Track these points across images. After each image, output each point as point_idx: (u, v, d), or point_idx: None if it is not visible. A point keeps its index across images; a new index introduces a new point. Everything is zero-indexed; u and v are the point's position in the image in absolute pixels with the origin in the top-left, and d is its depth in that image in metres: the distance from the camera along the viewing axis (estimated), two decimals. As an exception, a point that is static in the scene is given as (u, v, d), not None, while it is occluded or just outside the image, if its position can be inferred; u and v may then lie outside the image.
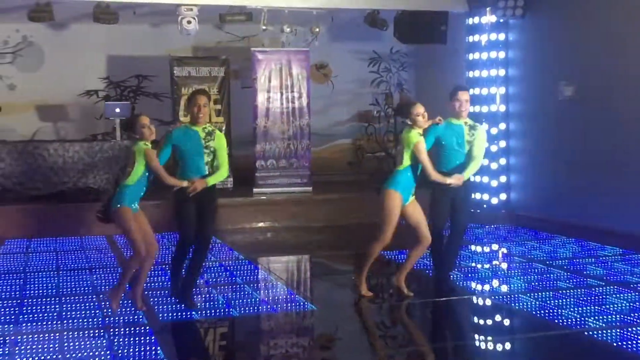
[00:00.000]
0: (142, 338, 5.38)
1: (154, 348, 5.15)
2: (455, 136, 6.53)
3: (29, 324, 5.78)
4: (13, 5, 10.47)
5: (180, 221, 6.23)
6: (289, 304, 6.42)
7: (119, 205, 5.79)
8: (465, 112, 6.58)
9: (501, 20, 10.28)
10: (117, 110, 11.02)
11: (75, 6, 10.41)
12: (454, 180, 6.38)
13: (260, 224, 10.48)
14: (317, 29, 11.05)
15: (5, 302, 6.43)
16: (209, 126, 6.27)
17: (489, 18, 10.42)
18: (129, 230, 5.83)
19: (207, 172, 6.14)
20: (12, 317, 5.98)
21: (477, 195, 10.60)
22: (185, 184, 5.99)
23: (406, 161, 6.25)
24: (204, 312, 6.12)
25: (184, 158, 6.11)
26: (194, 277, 6.32)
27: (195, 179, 6.03)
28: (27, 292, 6.82)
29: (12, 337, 5.44)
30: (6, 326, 5.73)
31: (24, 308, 6.24)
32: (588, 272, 7.36)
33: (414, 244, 6.51)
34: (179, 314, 6.03)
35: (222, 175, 6.25)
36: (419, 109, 6.26)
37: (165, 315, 6.00)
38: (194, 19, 9.84)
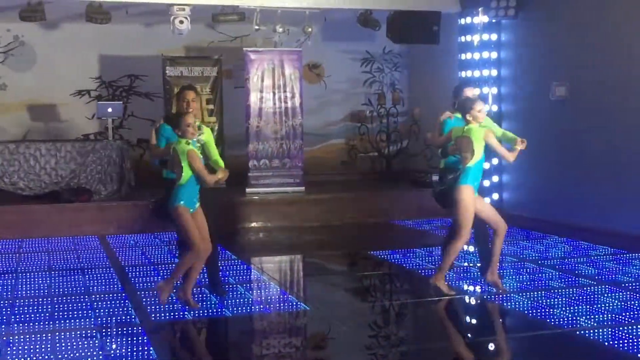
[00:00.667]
0: (135, 338, 5.38)
1: (146, 348, 5.15)
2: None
3: (21, 325, 5.76)
4: (4, 5, 10.44)
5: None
6: (281, 304, 6.43)
7: (176, 204, 5.89)
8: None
9: (493, 21, 10.31)
10: (109, 110, 11.02)
11: (68, 6, 10.41)
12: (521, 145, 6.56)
13: (253, 224, 10.48)
14: (310, 29, 11.03)
15: None
16: (197, 121, 6.23)
17: (481, 18, 10.44)
18: (185, 229, 5.91)
19: None
20: (4, 317, 5.97)
21: (470, 195, 10.70)
22: (220, 175, 6.05)
23: (477, 155, 6.29)
24: (197, 312, 6.10)
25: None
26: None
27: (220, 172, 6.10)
28: (19, 292, 6.80)
29: (4, 338, 5.41)
30: None
31: (16, 309, 6.22)
32: (580, 271, 7.39)
33: (494, 236, 6.55)
34: (172, 314, 6.03)
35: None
36: (480, 105, 6.38)
37: (158, 315, 5.99)
38: (187, 18, 9.83)
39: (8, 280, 7.25)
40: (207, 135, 6.32)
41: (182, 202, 5.90)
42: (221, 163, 6.31)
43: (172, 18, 9.84)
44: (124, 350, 5.13)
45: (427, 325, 6.27)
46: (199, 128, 6.17)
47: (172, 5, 9.83)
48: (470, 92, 6.80)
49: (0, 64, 12.00)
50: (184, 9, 9.83)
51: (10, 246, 9.00)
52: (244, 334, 5.91)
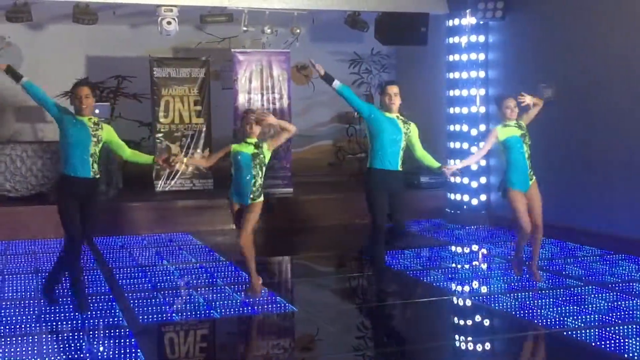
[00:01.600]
0: (122, 340, 5.39)
1: (134, 350, 5.16)
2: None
3: (7, 327, 5.76)
4: None
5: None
6: (269, 306, 6.42)
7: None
8: (395, 107, 6.72)
9: (481, 22, 10.36)
10: (97, 111, 10.75)
11: (54, 7, 10.35)
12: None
13: None
14: (298, 30, 11.06)
15: None
16: (95, 117, 6.27)
17: (469, 20, 10.49)
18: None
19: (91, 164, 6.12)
20: None
21: (458, 197, 10.74)
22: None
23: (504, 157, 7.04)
24: (184, 314, 6.12)
25: (70, 147, 6.08)
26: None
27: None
28: (5, 294, 6.79)
29: None
30: None
31: (2, 311, 6.21)
32: (567, 272, 7.45)
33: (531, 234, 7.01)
34: (160, 316, 6.04)
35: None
36: (511, 102, 6.95)
37: (146, 317, 6.01)
38: (174, 19, 9.84)
39: None
40: (107, 133, 6.24)
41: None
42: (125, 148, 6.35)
43: (159, 19, 9.84)
44: (111, 352, 5.13)
45: (415, 327, 6.30)
46: (97, 124, 6.14)
47: (159, 6, 9.83)
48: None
49: (-14, 66, 12.03)
50: (171, 10, 9.83)
51: (-5, 248, 8.99)
52: (232, 335, 5.93)
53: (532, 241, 7.05)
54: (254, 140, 6.50)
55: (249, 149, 6.51)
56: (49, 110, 6.28)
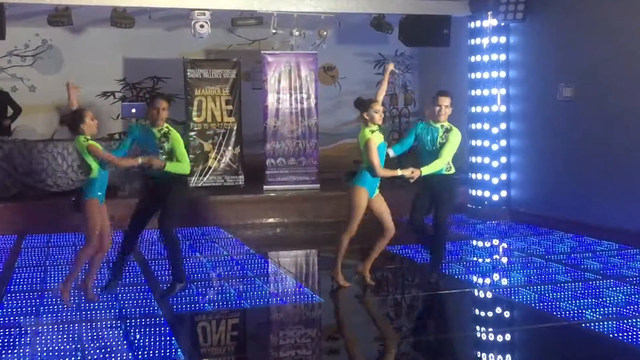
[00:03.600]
0: (157, 329, 5.52)
1: (168, 338, 5.29)
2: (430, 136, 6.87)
3: (49, 315, 5.92)
4: (33, 10, 10.63)
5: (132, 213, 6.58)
6: (297, 297, 6.55)
7: (88, 197, 6.07)
8: (444, 117, 6.89)
9: (502, 24, 10.38)
10: (133, 110, 11.09)
11: (93, 11, 10.56)
12: (407, 172, 6.63)
13: (270, 220, 10.64)
14: (325, 33, 11.15)
15: (26, 294, 6.59)
16: (165, 127, 6.41)
17: (491, 22, 10.53)
18: (92, 222, 6.07)
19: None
20: (33, 308, 6.14)
21: (479, 192, 10.84)
22: (140, 160, 6.23)
23: (366, 160, 6.56)
24: (216, 304, 6.28)
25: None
26: (176, 272, 6.52)
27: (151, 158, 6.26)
28: (48, 284, 6.97)
29: (34, 328, 5.58)
30: (27, 317, 5.88)
31: (45, 300, 6.39)
32: (585, 266, 7.50)
33: (380, 235, 6.75)
34: (193, 305, 6.19)
35: (182, 167, 6.33)
36: (377, 105, 6.62)
37: (180, 306, 6.14)
38: (207, 23, 9.98)
39: (38, 273, 7.38)
40: (174, 141, 6.39)
41: (97, 194, 6.04)
42: (183, 162, 6.37)
43: (193, 22, 9.99)
44: (146, 340, 5.25)
45: (437, 318, 6.39)
46: (166, 135, 6.34)
47: (193, 10, 9.97)
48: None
49: (29, 67, 12.26)
50: (204, 14, 9.97)
51: (39, 240, 9.18)
52: (261, 324, 6.05)
53: (380, 241, 6.84)
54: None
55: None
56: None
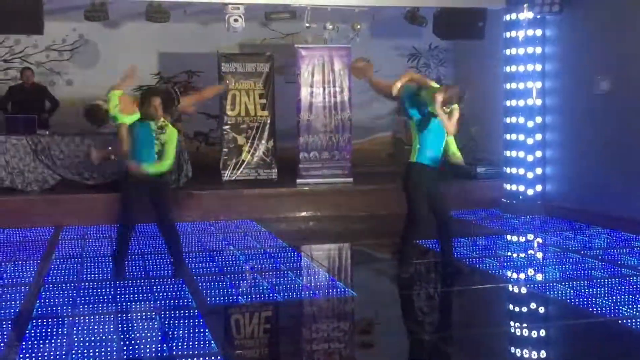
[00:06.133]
0: (191, 320, 5.60)
1: (202, 330, 5.36)
2: None
3: (86, 306, 6.04)
4: (70, 5, 10.82)
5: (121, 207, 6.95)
6: (330, 290, 6.57)
7: None
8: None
9: (538, 17, 10.29)
10: None
11: (129, 5, 10.70)
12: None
13: (303, 214, 10.70)
14: (359, 26, 11.14)
15: (64, 284, 6.71)
16: (163, 121, 6.85)
17: (526, 14, 10.43)
18: None
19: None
20: (71, 299, 6.25)
21: (513, 187, 10.75)
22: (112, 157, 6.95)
23: None
24: (249, 296, 6.34)
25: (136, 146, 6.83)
26: (178, 265, 6.99)
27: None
28: (84, 276, 7.08)
29: (71, 319, 5.68)
30: (65, 307, 5.99)
31: (81, 291, 6.50)
32: (622, 261, 7.42)
33: None
34: (226, 298, 6.26)
35: (162, 166, 6.82)
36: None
37: (213, 299, 6.21)
38: (241, 17, 10.03)
39: (74, 265, 7.50)
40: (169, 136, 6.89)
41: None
42: (164, 160, 6.84)
43: (227, 16, 10.05)
44: (181, 332, 5.34)
45: (471, 313, 6.35)
46: (162, 128, 6.81)
47: (227, 4, 10.05)
48: None
49: (66, 62, 12.42)
50: (238, 8, 10.03)
51: (76, 232, 9.34)
52: (294, 317, 6.08)
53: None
54: None
55: None
56: None
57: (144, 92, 7.32)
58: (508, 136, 10.87)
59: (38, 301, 6.20)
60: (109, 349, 5.03)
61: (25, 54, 12.31)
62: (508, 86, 10.87)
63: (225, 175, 11.51)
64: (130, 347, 5.06)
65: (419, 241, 7.82)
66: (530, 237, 9.09)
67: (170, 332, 5.37)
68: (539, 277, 7.08)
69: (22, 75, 11.53)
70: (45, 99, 11.56)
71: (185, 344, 5.13)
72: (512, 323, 5.93)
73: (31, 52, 12.31)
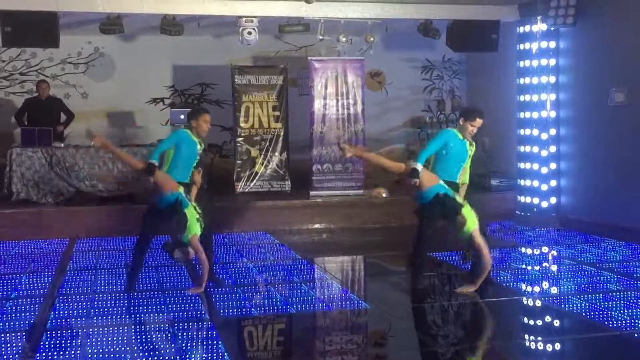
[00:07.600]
0: (205, 332, 5.64)
1: (215, 342, 5.37)
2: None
3: (99, 317, 6.06)
4: (86, 18, 10.85)
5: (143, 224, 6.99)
6: (343, 302, 6.61)
7: None
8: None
9: (552, 29, 10.29)
10: (182, 116, 11.02)
11: (144, 19, 10.75)
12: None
13: (317, 226, 10.70)
14: (372, 38, 11.11)
15: (77, 296, 6.74)
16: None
17: (540, 26, 10.43)
18: None
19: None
20: (83, 311, 6.27)
21: (528, 199, 10.72)
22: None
23: None
24: (263, 308, 6.33)
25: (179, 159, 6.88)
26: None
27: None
28: (98, 287, 7.11)
29: (85, 330, 5.72)
30: (79, 319, 6.03)
31: (95, 303, 6.52)
32: (638, 274, 7.37)
33: None
34: (240, 310, 6.27)
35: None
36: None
37: (226, 311, 6.24)
38: (254, 30, 10.08)
39: (88, 276, 7.55)
40: None
41: None
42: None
43: (240, 29, 10.10)
44: (194, 344, 5.38)
45: (485, 325, 6.36)
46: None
47: (240, 17, 10.09)
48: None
49: (82, 74, 12.49)
50: (252, 21, 10.07)
51: (90, 244, 9.38)
52: (307, 330, 6.07)
53: None
54: None
55: None
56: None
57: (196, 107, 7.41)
58: (522, 148, 10.85)
59: (52, 313, 6.23)
60: (122, 360, 5.06)
61: (41, 67, 12.42)
62: (522, 98, 10.85)
63: (239, 187, 11.54)
64: (144, 359, 5.07)
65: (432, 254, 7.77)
66: (545, 249, 9.05)
67: (183, 344, 5.39)
68: (554, 290, 7.05)
69: (37, 88, 11.63)
70: (60, 112, 11.65)
71: (198, 355, 5.15)
72: (526, 336, 5.88)
73: (47, 65, 12.41)
